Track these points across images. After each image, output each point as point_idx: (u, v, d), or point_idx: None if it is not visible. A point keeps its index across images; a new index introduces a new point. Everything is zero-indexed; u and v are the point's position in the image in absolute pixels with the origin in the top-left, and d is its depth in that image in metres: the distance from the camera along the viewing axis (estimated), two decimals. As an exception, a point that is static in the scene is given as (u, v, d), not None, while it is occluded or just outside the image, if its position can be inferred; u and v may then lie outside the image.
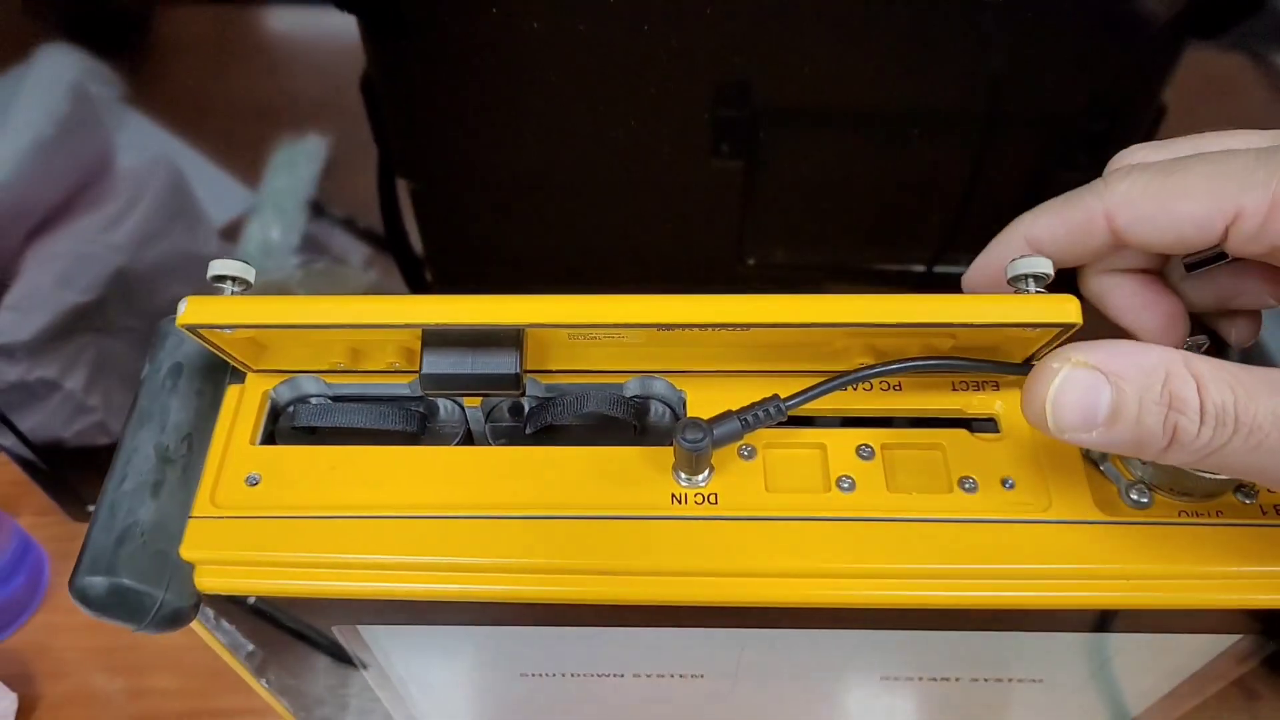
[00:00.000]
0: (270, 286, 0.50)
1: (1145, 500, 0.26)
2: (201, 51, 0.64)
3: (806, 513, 0.25)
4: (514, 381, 0.25)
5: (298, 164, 0.80)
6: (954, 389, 0.27)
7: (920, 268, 0.48)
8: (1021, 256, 0.24)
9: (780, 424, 0.26)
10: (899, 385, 0.27)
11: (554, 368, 0.28)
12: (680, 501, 0.25)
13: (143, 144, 0.83)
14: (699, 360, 0.27)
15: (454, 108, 0.41)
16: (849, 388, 0.27)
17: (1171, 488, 0.26)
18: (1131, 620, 0.26)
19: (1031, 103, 0.41)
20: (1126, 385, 0.21)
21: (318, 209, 0.79)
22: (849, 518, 0.25)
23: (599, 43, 0.36)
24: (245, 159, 0.83)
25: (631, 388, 0.27)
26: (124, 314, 0.65)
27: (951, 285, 0.49)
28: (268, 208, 0.78)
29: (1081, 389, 0.21)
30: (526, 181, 0.44)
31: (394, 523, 0.25)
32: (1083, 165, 0.44)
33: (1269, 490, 0.26)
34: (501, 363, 0.25)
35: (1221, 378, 0.21)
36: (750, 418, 0.25)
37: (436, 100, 0.41)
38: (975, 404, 0.27)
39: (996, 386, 0.27)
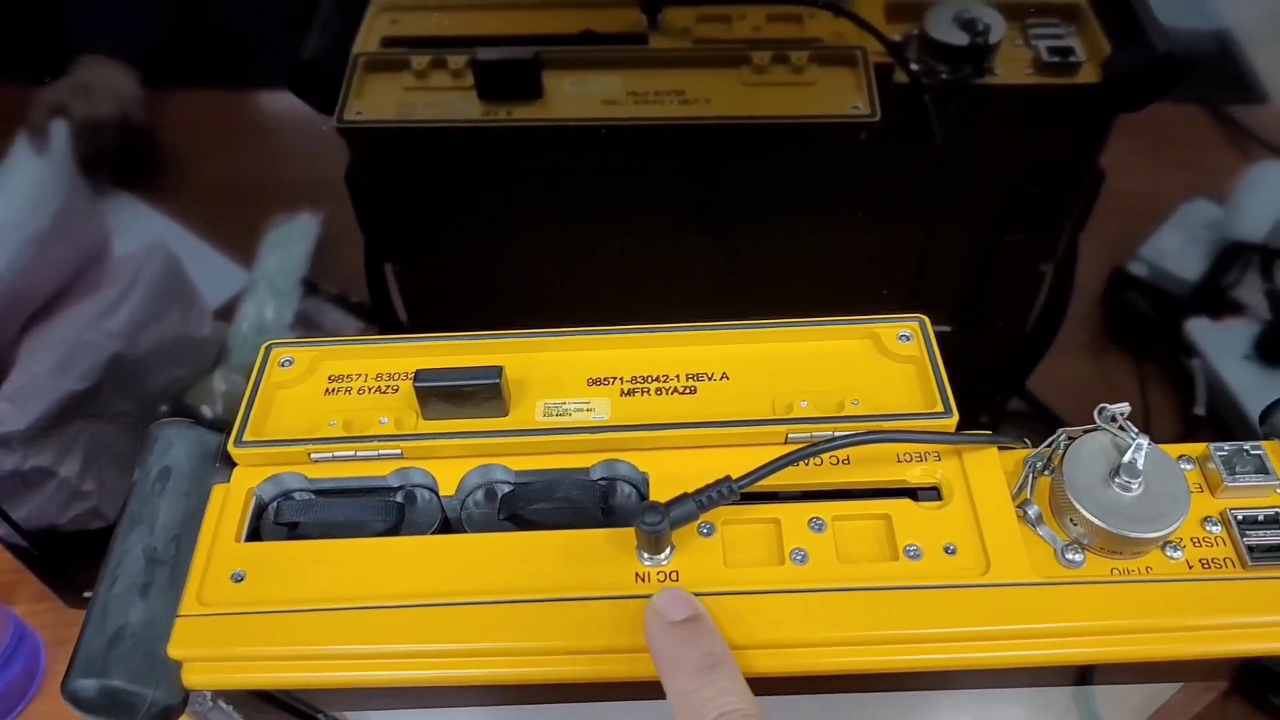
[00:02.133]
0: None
1: (1079, 559, 0.28)
2: (196, 135, 0.67)
3: (762, 585, 0.27)
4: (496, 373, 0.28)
5: (291, 243, 0.82)
6: (899, 460, 0.29)
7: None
8: None
9: (736, 501, 0.27)
10: (848, 459, 0.29)
11: (526, 453, 0.30)
12: (644, 580, 0.27)
13: (138, 229, 0.85)
14: (662, 440, 0.29)
15: (433, 200, 0.44)
16: (801, 463, 0.28)
17: (1102, 547, 0.28)
18: (1069, 674, 0.27)
19: (974, 175, 0.44)
20: None
21: (311, 286, 0.81)
22: (802, 589, 0.27)
23: (572, 165, 0.39)
24: (239, 240, 0.86)
25: (597, 471, 0.29)
26: (119, 399, 0.67)
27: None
28: (261, 287, 0.80)
29: None
30: (505, 267, 0.46)
31: (374, 613, 0.27)
32: (1027, 229, 0.46)
33: (1194, 545, 0.28)
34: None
35: None
36: (705, 499, 0.26)
37: (416, 194, 0.43)
38: (918, 474, 0.29)
39: (938, 457, 0.29)
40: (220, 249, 0.83)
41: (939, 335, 0.52)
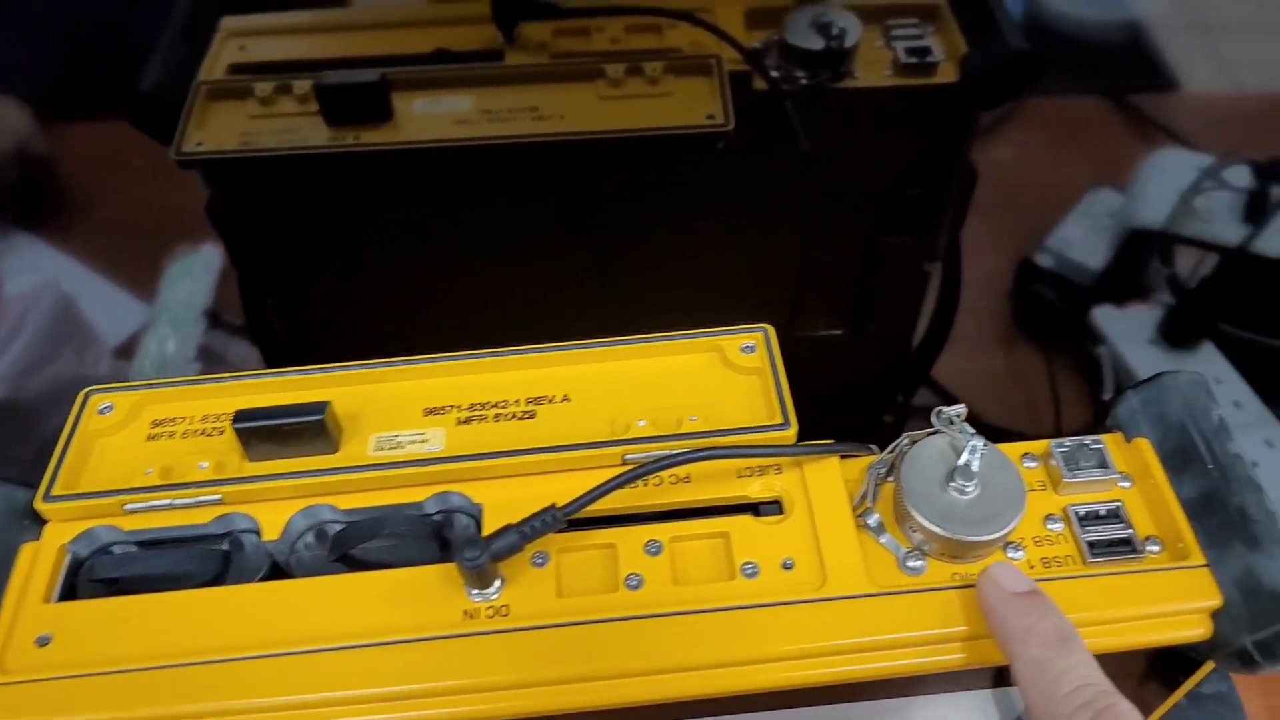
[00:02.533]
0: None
1: (921, 566, 0.27)
2: (94, 168, 0.64)
3: (595, 615, 0.26)
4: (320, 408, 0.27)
5: (193, 275, 0.80)
6: (739, 476, 0.29)
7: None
8: None
9: (565, 528, 0.27)
10: (688, 478, 0.29)
11: (355, 490, 0.29)
12: (472, 617, 0.26)
13: (30, 267, 0.82)
14: (497, 469, 0.29)
15: (296, 230, 0.43)
16: (640, 484, 0.28)
17: (943, 552, 0.27)
18: (916, 684, 0.27)
19: (846, 178, 0.43)
20: None
21: (214, 319, 0.79)
22: (635, 616, 0.26)
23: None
24: (141, 274, 0.83)
25: (430, 504, 0.28)
26: (10, 445, 0.65)
27: (799, 346, 0.51)
28: (164, 320, 0.78)
29: None
30: (381, 294, 0.45)
31: (191, 670, 0.26)
32: (907, 231, 0.46)
33: (1035, 544, 0.28)
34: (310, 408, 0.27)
35: None
36: (528, 529, 0.25)
37: (276, 225, 0.42)
38: (758, 488, 0.28)
39: (779, 470, 0.29)
40: (121, 284, 0.81)
41: (832, 339, 0.53)
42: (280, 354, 0.49)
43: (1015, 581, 0.25)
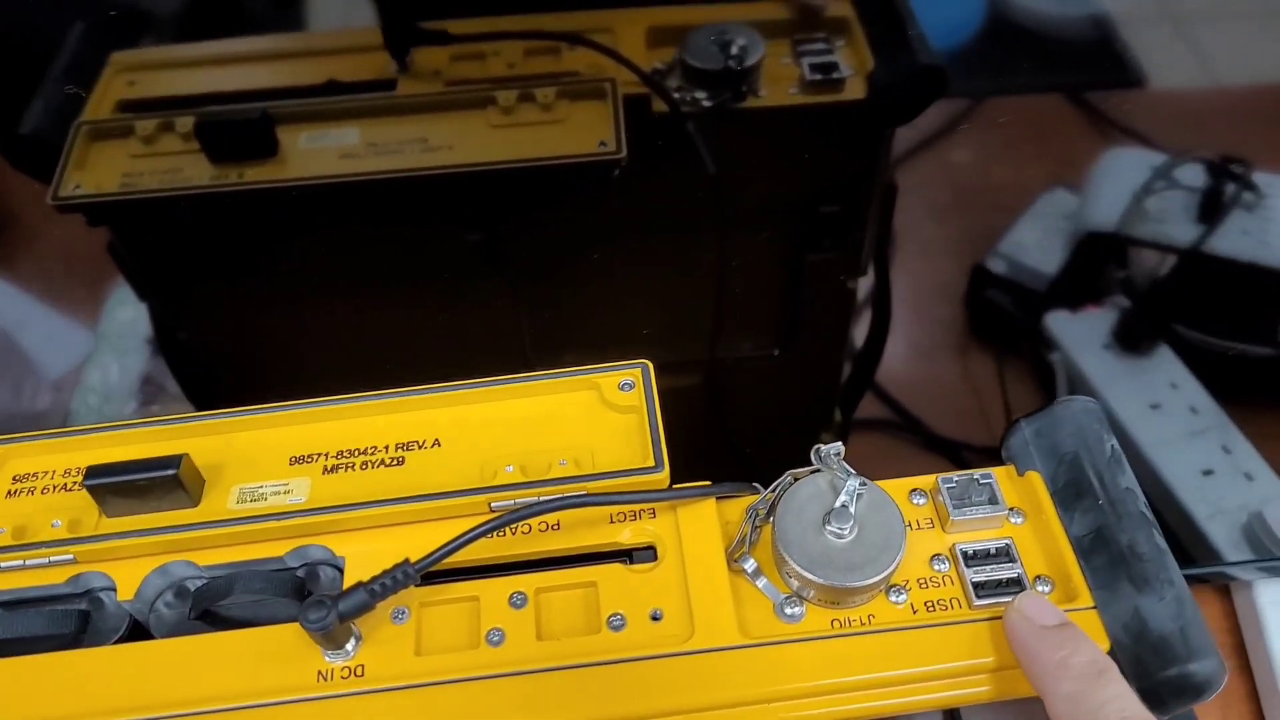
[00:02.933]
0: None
1: (799, 613, 0.26)
2: (32, 193, 0.64)
3: (452, 674, 0.25)
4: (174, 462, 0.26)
5: (135, 301, 0.79)
6: (612, 521, 0.27)
7: (701, 356, 0.49)
8: None
9: (418, 584, 0.26)
10: (557, 524, 0.28)
11: (214, 545, 0.28)
12: (327, 679, 0.25)
13: (-33, 299, 0.81)
14: (360, 520, 0.28)
15: (196, 270, 0.42)
16: (500, 532, 0.27)
17: (821, 598, 0.26)
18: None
19: (760, 199, 0.42)
20: None
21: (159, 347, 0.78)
22: (494, 674, 0.25)
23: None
24: (87, 302, 0.82)
25: (290, 559, 0.27)
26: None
27: (731, 368, 0.49)
28: (105, 349, 0.77)
29: None
30: (289, 333, 0.44)
31: (42, 737, 0.25)
32: (828, 247, 0.45)
33: (920, 586, 0.27)
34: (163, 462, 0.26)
35: None
36: (379, 586, 0.24)
37: (174, 266, 0.41)
38: (632, 534, 0.27)
39: (654, 514, 0.28)
40: (65, 314, 0.80)
41: (759, 360, 0.52)
42: (197, 386, 0.48)
43: (1045, 614, 0.25)
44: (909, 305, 0.71)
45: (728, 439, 0.50)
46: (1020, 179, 0.86)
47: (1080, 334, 0.68)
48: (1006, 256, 0.74)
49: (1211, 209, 0.67)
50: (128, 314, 0.77)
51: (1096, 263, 0.72)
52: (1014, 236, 0.76)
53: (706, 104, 0.38)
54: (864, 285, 0.53)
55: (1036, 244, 0.74)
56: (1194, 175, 0.69)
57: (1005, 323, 0.73)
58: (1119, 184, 0.71)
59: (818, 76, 0.38)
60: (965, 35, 0.78)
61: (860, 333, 0.54)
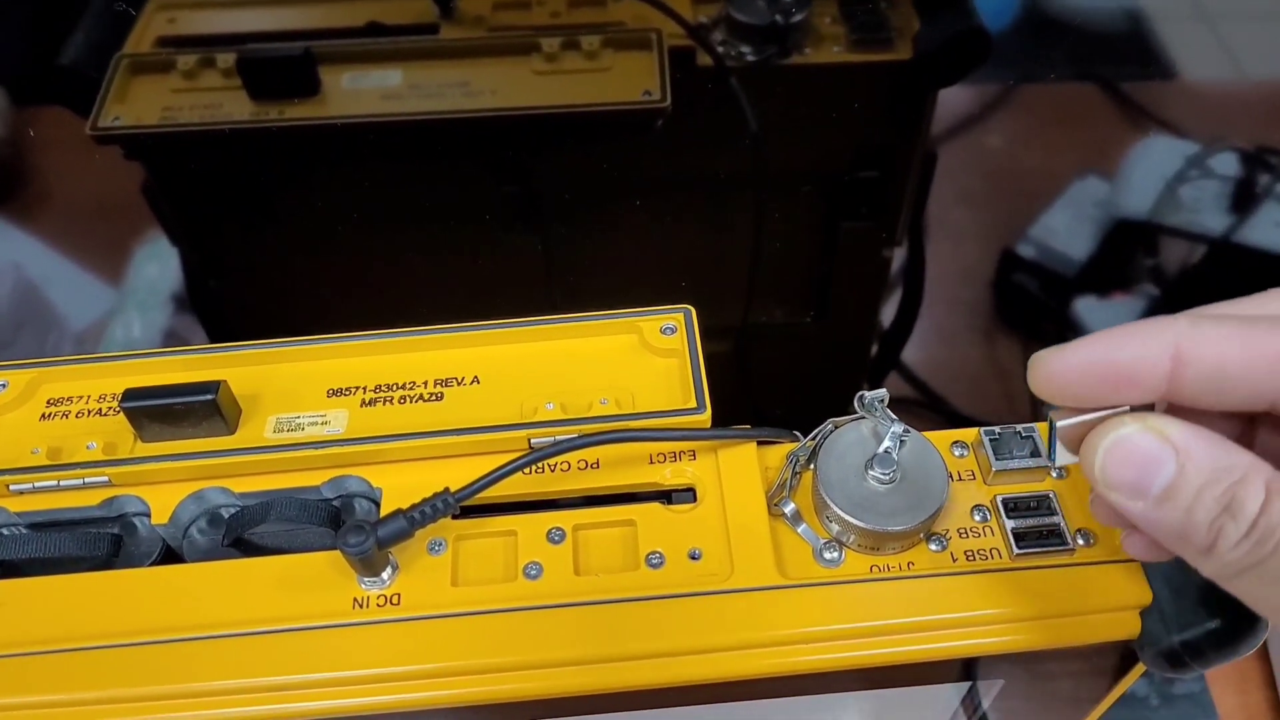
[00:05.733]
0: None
1: (837, 557, 0.26)
2: (61, 151, 0.63)
3: (490, 605, 0.25)
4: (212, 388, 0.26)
5: (162, 258, 0.79)
6: (651, 461, 0.27)
7: (732, 322, 0.49)
8: None
9: (462, 514, 0.26)
10: (597, 463, 0.27)
11: (250, 473, 0.28)
12: (362, 606, 0.25)
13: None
14: (398, 452, 0.27)
15: (230, 209, 0.42)
16: (538, 469, 0.27)
17: (860, 544, 0.26)
18: (827, 680, 0.25)
19: (799, 160, 0.42)
20: (1191, 471, 0.20)
21: (183, 302, 0.78)
22: (532, 606, 0.25)
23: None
24: (110, 258, 0.82)
25: (326, 489, 0.27)
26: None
27: (761, 334, 0.49)
28: (130, 305, 0.78)
29: (1142, 455, 0.20)
30: (324, 276, 0.44)
31: (78, 655, 0.25)
32: (865, 215, 0.45)
33: (960, 536, 0.27)
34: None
35: None
36: (418, 514, 0.24)
37: (209, 203, 0.41)
38: (672, 475, 0.27)
39: (694, 456, 0.27)
40: (89, 269, 0.80)
41: (792, 327, 0.51)
42: (226, 336, 0.48)
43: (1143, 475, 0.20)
44: (937, 288, 0.70)
45: (755, 407, 0.49)
46: (1051, 165, 0.86)
47: (1109, 321, 0.67)
48: (1036, 241, 0.74)
49: (1244, 199, 0.66)
50: (154, 270, 0.77)
51: (1127, 250, 0.71)
52: (1044, 222, 0.75)
53: (751, 59, 0.37)
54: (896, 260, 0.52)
55: (1067, 230, 0.73)
56: (1228, 164, 0.68)
57: (1033, 308, 0.72)
58: (1152, 172, 0.71)
59: (864, 35, 0.38)
60: (1001, 24, 0.77)
61: (889, 308, 0.54)
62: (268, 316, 0.47)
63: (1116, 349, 0.21)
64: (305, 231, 0.41)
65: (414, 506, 0.25)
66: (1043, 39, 0.91)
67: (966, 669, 0.27)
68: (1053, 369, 0.21)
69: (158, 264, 0.84)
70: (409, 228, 0.41)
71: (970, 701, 0.29)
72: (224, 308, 0.46)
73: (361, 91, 0.36)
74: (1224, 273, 0.66)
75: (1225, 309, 0.21)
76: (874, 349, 0.54)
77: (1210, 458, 0.20)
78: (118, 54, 0.36)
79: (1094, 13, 1.10)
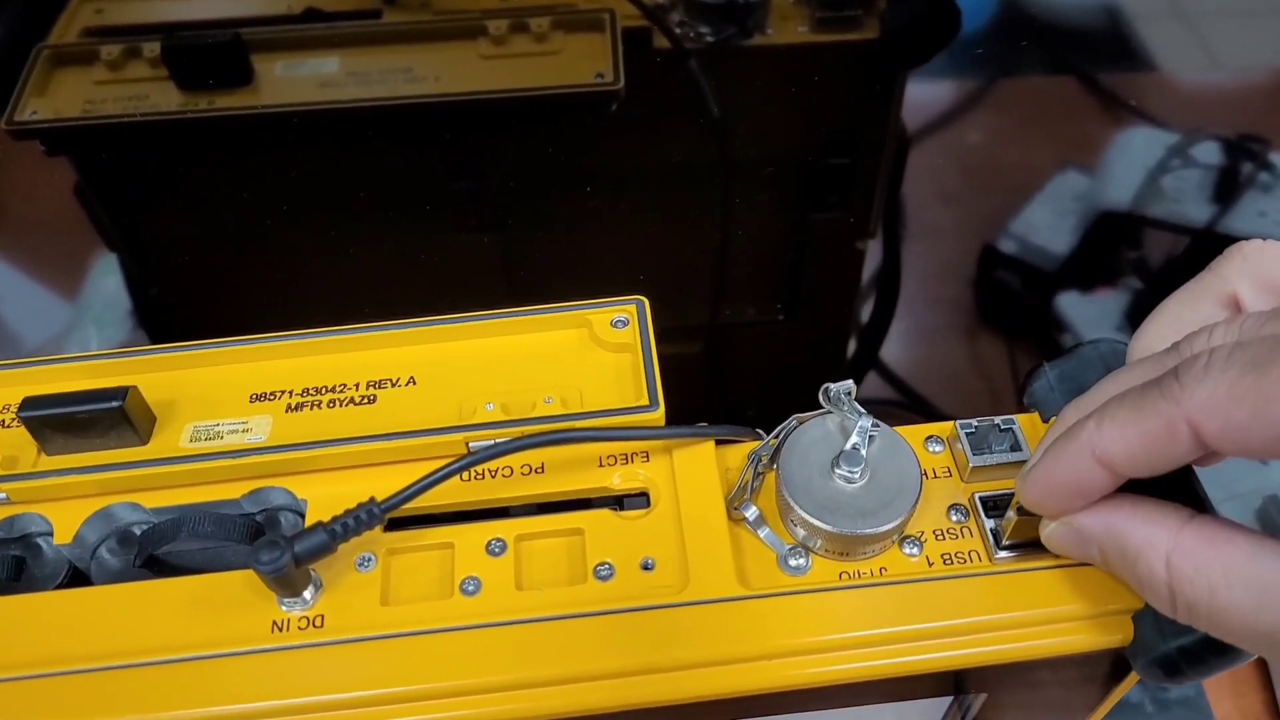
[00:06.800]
0: None
1: (804, 564, 0.24)
2: (15, 162, 0.61)
3: (423, 625, 0.22)
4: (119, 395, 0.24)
5: (120, 272, 0.77)
6: (600, 464, 0.25)
7: (700, 321, 0.47)
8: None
9: (386, 526, 0.24)
10: (541, 467, 0.25)
11: (164, 486, 0.25)
12: (281, 629, 0.23)
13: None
14: (325, 460, 0.25)
15: (165, 207, 0.39)
16: (477, 475, 0.24)
17: (829, 549, 0.24)
18: (802, 699, 0.23)
19: (764, 146, 0.40)
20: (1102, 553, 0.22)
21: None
22: (469, 625, 0.22)
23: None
24: (69, 272, 0.80)
25: (247, 502, 0.25)
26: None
27: (731, 333, 0.47)
28: (87, 320, 0.75)
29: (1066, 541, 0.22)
30: (267, 275, 0.42)
31: (-34, 689, 0.23)
32: (835, 204, 0.43)
33: (936, 538, 0.25)
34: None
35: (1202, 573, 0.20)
36: (340, 527, 0.22)
37: (140, 202, 0.39)
38: (623, 479, 0.25)
39: (647, 457, 0.25)
40: (44, 283, 0.77)
41: (764, 325, 0.49)
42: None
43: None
44: (917, 286, 0.69)
45: (728, 411, 0.47)
46: (1031, 160, 0.85)
47: (1092, 315, 0.66)
48: (1017, 237, 0.72)
49: (1227, 188, 0.65)
50: (112, 283, 0.74)
51: (1110, 243, 0.70)
52: (1025, 217, 0.74)
53: (710, 40, 0.36)
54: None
55: (1048, 224, 0.72)
56: (1210, 153, 0.67)
57: (1015, 304, 0.71)
58: (1134, 163, 0.69)
59: (828, 13, 0.36)
60: (979, 21, 0.75)
61: (866, 304, 0.52)
62: (209, 322, 0.44)
63: (1139, 435, 0.21)
64: (244, 231, 0.39)
65: (336, 518, 0.22)
66: (1021, 36, 0.90)
67: (946, 683, 0.25)
68: (1028, 498, 0.23)
69: (115, 277, 0.82)
70: (355, 224, 0.39)
71: (953, 717, 0.27)
72: (164, 316, 0.44)
73: (297, 79, 0.34)
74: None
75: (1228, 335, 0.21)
76: (852, 347, 0.52)
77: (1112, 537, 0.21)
78: (38, 45, 0.34)
79: (1071, 10, 1.10)
